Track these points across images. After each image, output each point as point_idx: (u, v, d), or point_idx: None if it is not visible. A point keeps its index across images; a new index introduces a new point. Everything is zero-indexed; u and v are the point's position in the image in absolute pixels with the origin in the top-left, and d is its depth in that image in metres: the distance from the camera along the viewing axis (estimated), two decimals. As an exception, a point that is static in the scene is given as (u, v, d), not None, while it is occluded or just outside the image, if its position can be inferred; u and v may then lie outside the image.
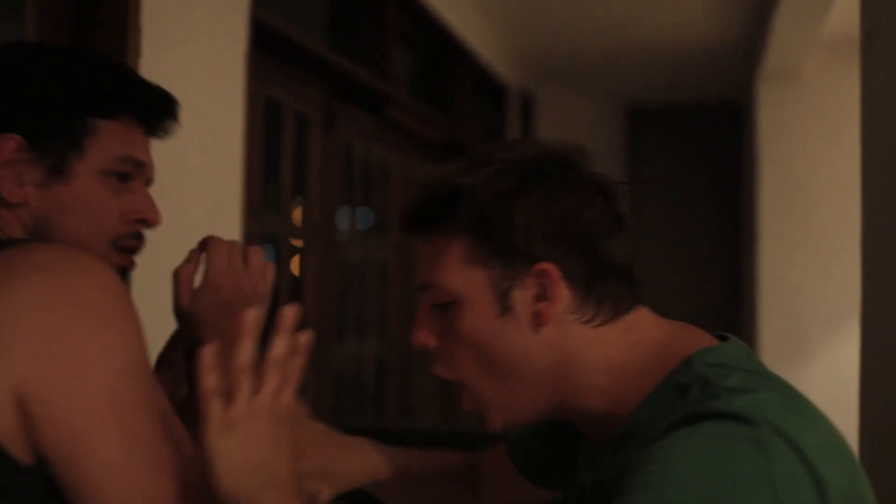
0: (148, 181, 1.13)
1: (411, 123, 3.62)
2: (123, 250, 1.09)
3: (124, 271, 1.10)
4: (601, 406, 0.94)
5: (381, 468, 1.19)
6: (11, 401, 0.86)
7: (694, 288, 5.69)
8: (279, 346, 0.87)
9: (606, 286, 0.92)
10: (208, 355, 0.85)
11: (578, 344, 0.93)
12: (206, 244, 1.19)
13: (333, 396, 3.13)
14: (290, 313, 0.87)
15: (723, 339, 0.96)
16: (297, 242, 2.96)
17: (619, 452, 0.88)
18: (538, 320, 0.91)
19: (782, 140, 4.66)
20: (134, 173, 1.09)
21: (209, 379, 0.84)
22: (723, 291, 5.65)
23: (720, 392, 0.84)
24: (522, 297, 0.91)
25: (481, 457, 1.25)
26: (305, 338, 0.88)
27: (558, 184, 0.92)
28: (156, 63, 1.88)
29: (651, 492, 0.78)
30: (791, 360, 4.53)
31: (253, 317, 0.86)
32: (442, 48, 4.10)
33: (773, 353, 4.56)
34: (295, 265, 2.97)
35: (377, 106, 3.29)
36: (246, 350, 0.85)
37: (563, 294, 0.91)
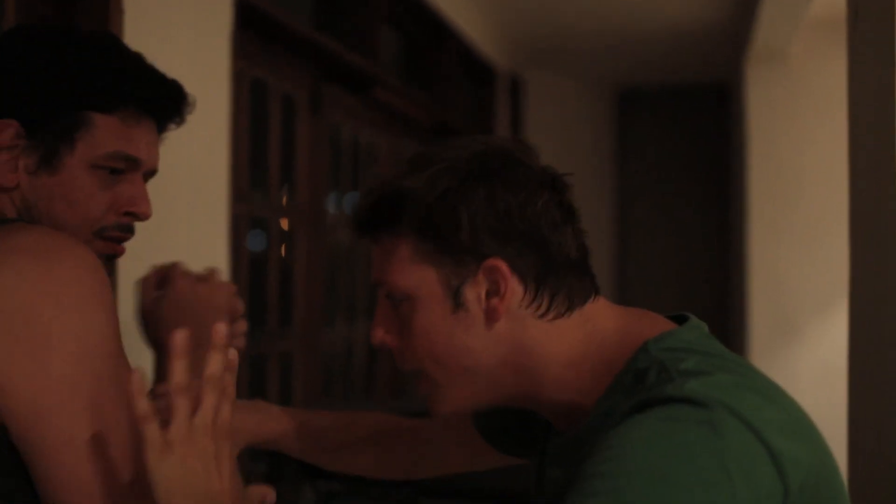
0: (148, 173, 1.14)
1: (399, 105, 3.60)
2: (109, 240, 1.10)
3: (111, 258, 1.12)
4: (564, 398, 0.95)
5: (284, 425, 1.22)
6: None
7: (683, 272, 5.70)
8: (215, 363, 0.89)
9: (559, 279, 0.93)
10: (136, 381, 0.87)
11: (535, 338, 0.93)
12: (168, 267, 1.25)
13: (324, 380, 3.12)
14: (221, 329, 0.89)
15: (681, 320, 0.97)
16: (285, 226, 2.95)
17: (585, 446, 0.89)
18: (491, 316, 0.92)
19: (770, 121, 4.66)
20: (127, 168, 1.10)
21: (141, 404, 0.86)
22: (712, 274, 5.67)
23: (675, 376, 0.86)
24: (474, 293, 0.92)
25: (435, 422, 1.27)
26: (234, 355, 0.91)
27: (501, 179, 0.92)
28: (138, 42, 1.84)
29: (605, 479, 0.80)
30: (780, 343, 4.55)
31: (223, 331, 0.89)
32: (428, 29, 4.08)
33: (763, 335, 4.58)
34: (283, 249, 2.96)
35: (364, 87, 3.27)
36: (180, 371, 0.87)
37: (515, 289, 0.92)
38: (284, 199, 2.94)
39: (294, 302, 2.93)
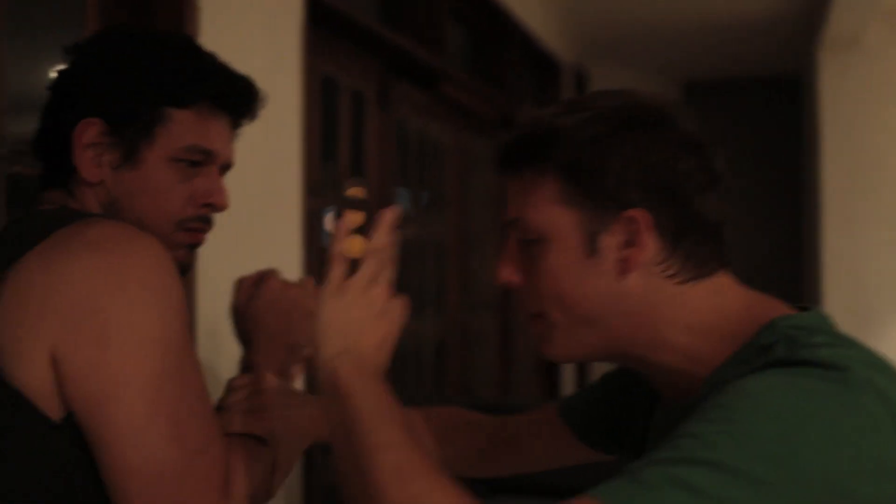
0: (224, 166, 1.18)
1: (465, 99, 3.60)
2: (190, 231, 1.15)
3: (193, 247, 1.16)
4: (676, 364, 0.94)
5: None
6: (48, 361, 0.95)
7: (753, 266, 5.59)
8: (380, 238, 0.96)
9: (694, 243, 0.92)
10: (343, 224, 0.96)
11: (660, 298, 0.92)
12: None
13: (394, 375, 3.14)
14: (391, 213, 0.97)
15: (803, 311, 0.95)
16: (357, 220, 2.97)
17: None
18: (624, 267, 0.91)
19: (845, 111, 4.54)
20: (204, 161, 1.14)
21: (341, 245, 0.95)
22: (783, 269, 5.55)
23: (806, 346, 0.84)
24: (610, 241, 0.91)
25: (525, 417, 1.27)
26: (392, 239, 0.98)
27: (654, 133, 0.92)
28: (214, 41, 1.88)
29: (723, 409, 0.78)
30: (856, 336, 4.43)
31: (392, 216, 0.97)
32: (493, 23, 4.07)
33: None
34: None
35: (431, 82, 3.28)
36: (380, 239, 0.96)
37: (651, 244, 0.91)
38: (353, 193, 2.96)
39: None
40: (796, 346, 0.84)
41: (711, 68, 5.66)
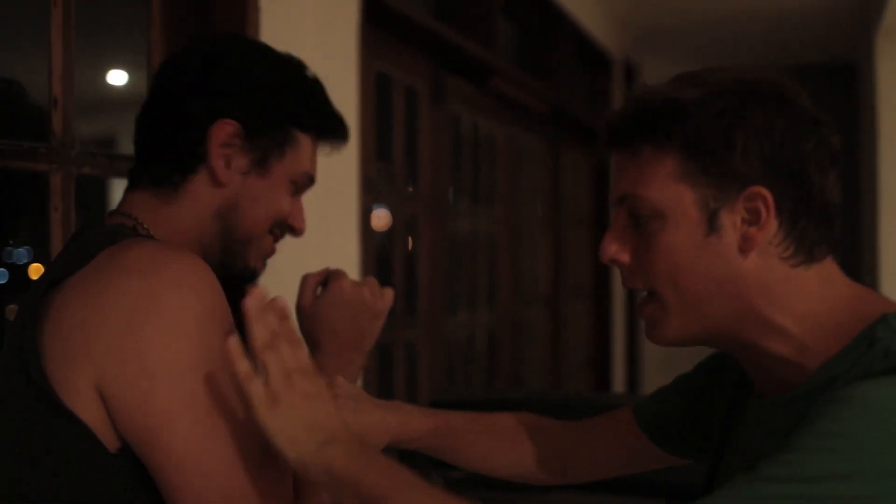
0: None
1: (516, 94, 3.60)
2: (274, 235, 1.18)
3: (265, 259, 1.19)
4: (783, 352, 0.91)
5: (425, 425, 1.22)
6: (95, 394, 0.93)
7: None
8: (258, 333, 0.92)
9: (811, 224, 0.90)
10: (233, 344, 0.92)
11: (775, 279, 0.90)
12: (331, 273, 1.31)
13: (447, 368, 3.16)
14: (248, 303, 0.93)
15: None
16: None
17: (802, 409, 0.84)
18: (746, 245, 0.89)
19: (903, 99, 4.45)
20: (304, 188, 1.19)
21: (241, 365, 0.91)
22: (839, 260, 5.45)
23: None
24: (731, 219, 0.89)
25: (600, 420, 1.24)
26: (282, 301, 0.96)
27: (776, 110, 0.89)
28: (273, 40, 1.91)
29: (823, 439, 0.76)
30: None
31: (252, 304, 0.93)
32: (543, 17, 4.05)
33: None
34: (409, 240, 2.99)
35: (483, 77, 3.28)
36: (259, 331, 0.92)
37: (772, 222, 0.89)
38: (409, 189, 2.98)
39: (418, 290, 2.97)
40: None
41: (762, 58, 5.58)
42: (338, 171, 2.24)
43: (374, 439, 1.17)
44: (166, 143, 1.12)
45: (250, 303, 0.93)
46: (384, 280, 2.75)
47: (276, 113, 1.13)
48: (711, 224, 0.90)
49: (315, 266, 1.90)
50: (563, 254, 4.40)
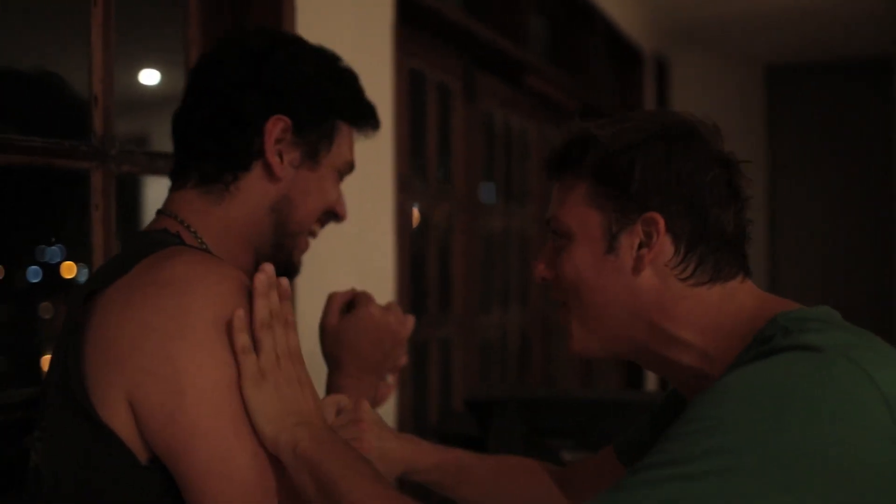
0: None
1: (548, 91, 3.58)
2: (318, 224, 1.21)
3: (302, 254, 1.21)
4: (692, 363, 1.00)
5: (435, 460, 1.26)
6: (127, 406, 0.95)
7: (838, 254, 5.44)
8: (260, 310, 0.99)
9: (709, 250, 0.99)
10: (238, 317, 0.96)
11: (672, 298, 0.99)
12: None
13: (480, 366, 3.15)
14: (257, 278, 0.98)
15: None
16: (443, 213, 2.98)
17: None
18: (637, 265, 0.99)
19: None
20: (346, 176, 1.22)
21: (241, 338, 0.97)
22: (870, 257, 5.39)
23: (794, 333, 0.89)
24: (628, 241, 0.99)
25: (589, 463, 1.29)
26: (286, 282, 1.01)
27: (680, 146, 0.99)
28: (310, 39, 1.91)
29: (704, 407, 0.84)
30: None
31: (263, 279, 0.98)
32: (574, 13, 4.03)
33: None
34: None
35: (515, 74, 3.27)
36: (262, 309, 0.98)
37: (666, 247, 0.98)
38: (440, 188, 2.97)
39: (452, 288, 2.96)
40: (786, 336, 0.89)
41: (794, 52, 5.52)
42: (373, 170, 2.24)
43: (390, 466, 1.22)
44: (219, 141, 1.12)
45: (259, 278, 0.98)
46: (417, 277, 2.76)
47: (322, 106, 1.15)
48: (611, 245, 1.00)
49: (351, 264, 1.91)
50: (594, 251, 4.36)
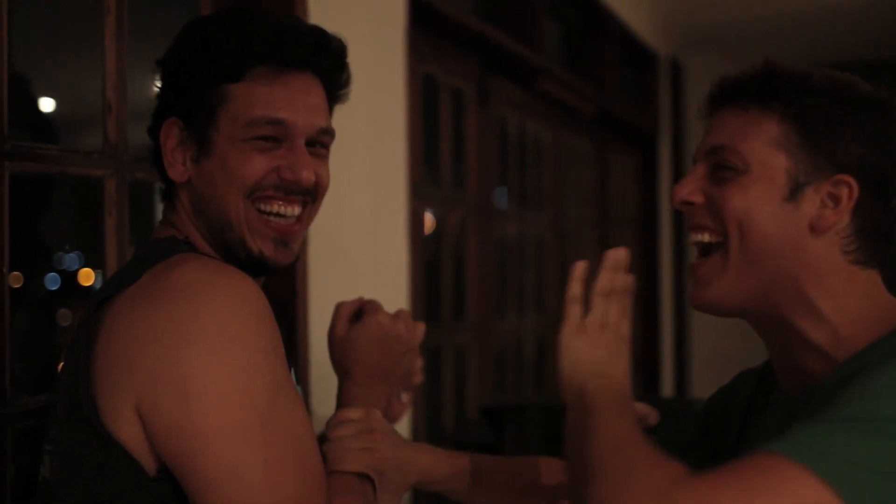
0: (315, 134, 1.07)
1: (562, 95, 3.57)
2: (263, 199, 1.06)
3: (280, 242, 1.08)
4: (815, 337, 0.97)
5: (453, 468, 1.23)
6: (135, 415, 0.93)
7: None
8: (604, 280, 0.96)
9: (878, 231, 0.96)
10: (580, 268, 0.96)
11: (831, 267, 0.95)
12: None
13: (495, 372, 3.13)
14: (614, 254, 0.96)
15: None
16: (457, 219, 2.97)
17: (828, 399, 0.86)
18: (818, 224, 0.94)
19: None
20: (280, 134, 1.04)
21: (576, 286, 0.96)
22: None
23: None
24: (813, 196, 0.95)
25: None
26: (631, 279, 0.98)
27: (882, 119, 0.96)
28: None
29: (853, 405, 0.80)
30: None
31: (613, 256, 0.96)
32: (588, 17, 4.02)
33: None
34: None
35: (529, 79, 3.26)
36: (605, 280, 0.96)
37: (847, 214, 0.95)
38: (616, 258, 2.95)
39: (467, 294, 2.95)
40: None
41: (810, 55, 5.48)
42: (386, 175, 2.24)
43: (405, 476, 1.19)
44: (152, 157, 1.11)
45: (611, 255, 0.97)
46: (431, 283, 2.75)
47: (193, 84, 1.04)
48: (793, 193, 0.95)
49: (365, 270, 1.90)
50: (610, 256, 4.34)
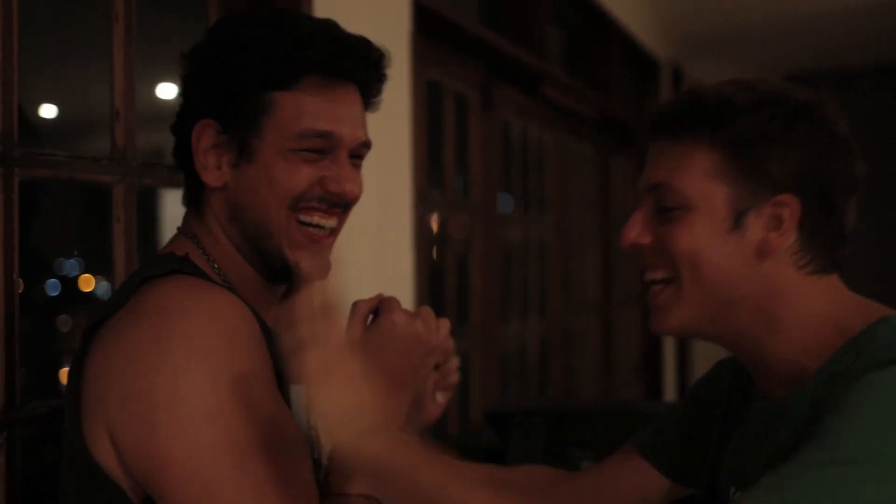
0: (358, 147, 1.05)
1: (566, 101, 3.58)
2: (306, 210, 1.03)
3: (319, 253, 1.05)
4: (787, 355, 0.95)
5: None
6: (109, 442, 0.92)
7: (865, 262, 5.39)
8: (302, 329, 0.88)
9: (829, 239, 0.95)
10: (305, 309, 0.88)
11: (787, 285, 0.95)
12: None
13: (500, 377, 3.14)
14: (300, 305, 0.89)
15: None
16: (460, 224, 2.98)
17: (807, 406, 0.89)
18: (764, 248, 0.94)
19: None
20: (327, 146, 1.02)
21: (305, 329, 0.87)
22: (891, 270, 5.33)
23: None
24: (756, 222, 0.94)
25: (607, 465, 1.23)
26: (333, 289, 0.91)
27: (818, 129, 0.94)
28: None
29: (857, 412, 0.81)
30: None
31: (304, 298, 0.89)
32: (591, 24, 4.03)
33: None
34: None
35: (532, 84, 3.27)
36: (303, 329, 0.88)
37: (793, 231, 0.93)
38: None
39: (471, 299, 2.95)
40: None
41: (812, 60, 5.50)
42: (391, 180, 2.24)
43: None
44: (177, 157, 1.06)
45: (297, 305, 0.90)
46: (436, 289, 2.76)
47: (238, 89, 1.00)
48: (736, 222, 0.94)
49: (369, 276, 1.89)
50: (613, 261, 4.36)
